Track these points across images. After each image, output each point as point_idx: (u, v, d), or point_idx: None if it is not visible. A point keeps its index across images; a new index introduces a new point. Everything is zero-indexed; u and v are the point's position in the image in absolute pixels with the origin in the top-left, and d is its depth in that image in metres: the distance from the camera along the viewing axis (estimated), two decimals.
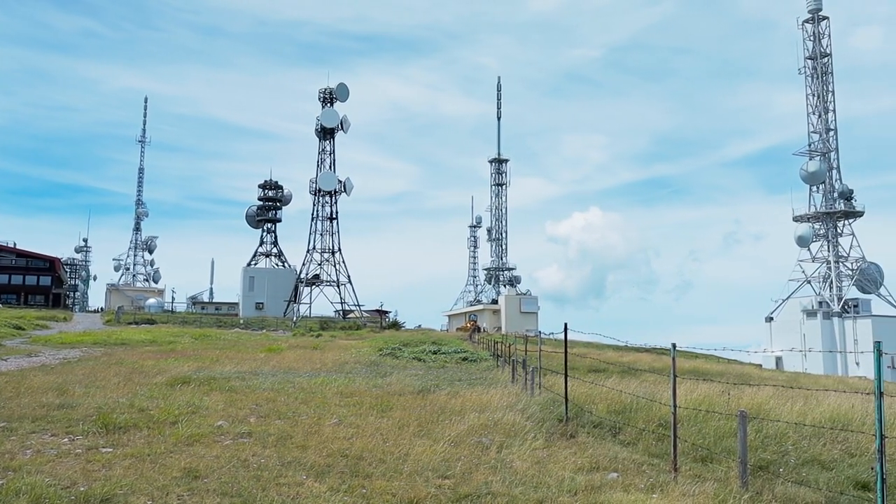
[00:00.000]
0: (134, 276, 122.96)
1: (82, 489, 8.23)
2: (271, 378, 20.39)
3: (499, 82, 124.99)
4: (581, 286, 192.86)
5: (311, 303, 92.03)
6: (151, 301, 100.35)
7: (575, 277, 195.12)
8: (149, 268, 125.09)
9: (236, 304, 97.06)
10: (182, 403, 14.78)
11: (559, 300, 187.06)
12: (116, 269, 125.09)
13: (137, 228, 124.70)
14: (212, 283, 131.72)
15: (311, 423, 13.05)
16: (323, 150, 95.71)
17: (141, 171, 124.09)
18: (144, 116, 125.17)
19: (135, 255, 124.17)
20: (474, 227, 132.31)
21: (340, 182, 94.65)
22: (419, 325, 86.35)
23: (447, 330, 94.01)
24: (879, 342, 6.57)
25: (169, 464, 9.58)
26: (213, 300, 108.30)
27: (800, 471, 9.95)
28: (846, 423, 12.58)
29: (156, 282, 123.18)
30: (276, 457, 10.17)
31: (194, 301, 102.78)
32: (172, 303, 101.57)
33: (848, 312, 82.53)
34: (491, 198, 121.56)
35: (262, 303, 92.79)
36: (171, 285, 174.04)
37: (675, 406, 9.96)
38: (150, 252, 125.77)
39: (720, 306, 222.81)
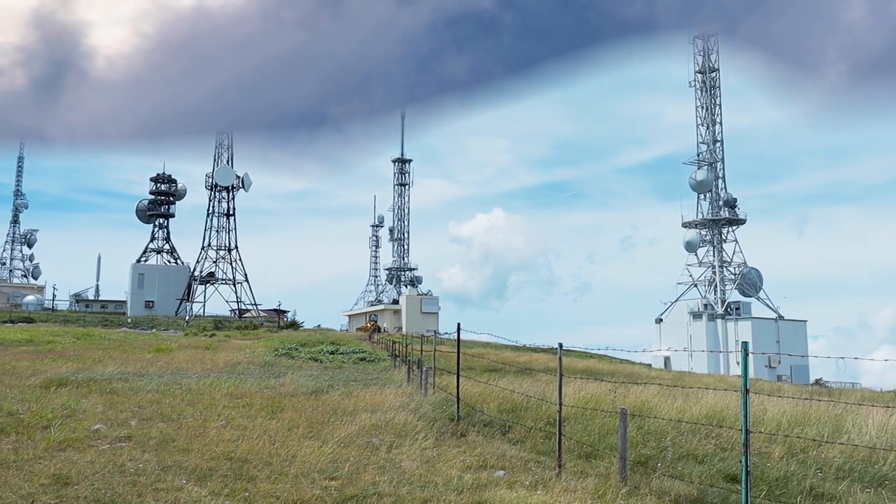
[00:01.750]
0: (11, 271, 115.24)
1: None
2: (157, 379, 19.61)
3: None
4: (483, 287, 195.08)
5: (205, 302, 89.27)
6: (30, 298, 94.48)
7: (477, 278, 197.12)
8: (27, 263, 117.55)
9: (124, 302, 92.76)
10: (56, 406, 14.00)
11: (461, 301, 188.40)
12: None
13: (15, 221, 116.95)
14: (98, 280, 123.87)
15: (197, 425, 12.63)
16: (220, 143, 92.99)
17: (20, 159, 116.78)
18: None
19: (12, 250, 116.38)
20: (376, 226, 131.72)
21: (238, 177, 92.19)
22: (318, 325, 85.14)
23: (347, 330, 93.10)
24: (746, 343, 6.94)
25: (37, 470, 9.03)
26: (99, 298, 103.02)
27: (676, 465, 10.41)
28: (721, 419, 13.26)
29: (35, 278, 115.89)
30: (155, 461, 9.77)
31: (78, 299, 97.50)
32: (54, 300, 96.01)
33: (730, 314, 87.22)
34: (394, 198, 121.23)
35: (152, 301, 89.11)
36: (52, 282, 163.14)
37: (560, 404, 10.21)
38: (30, 246, 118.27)
39: (616, 308, 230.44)
